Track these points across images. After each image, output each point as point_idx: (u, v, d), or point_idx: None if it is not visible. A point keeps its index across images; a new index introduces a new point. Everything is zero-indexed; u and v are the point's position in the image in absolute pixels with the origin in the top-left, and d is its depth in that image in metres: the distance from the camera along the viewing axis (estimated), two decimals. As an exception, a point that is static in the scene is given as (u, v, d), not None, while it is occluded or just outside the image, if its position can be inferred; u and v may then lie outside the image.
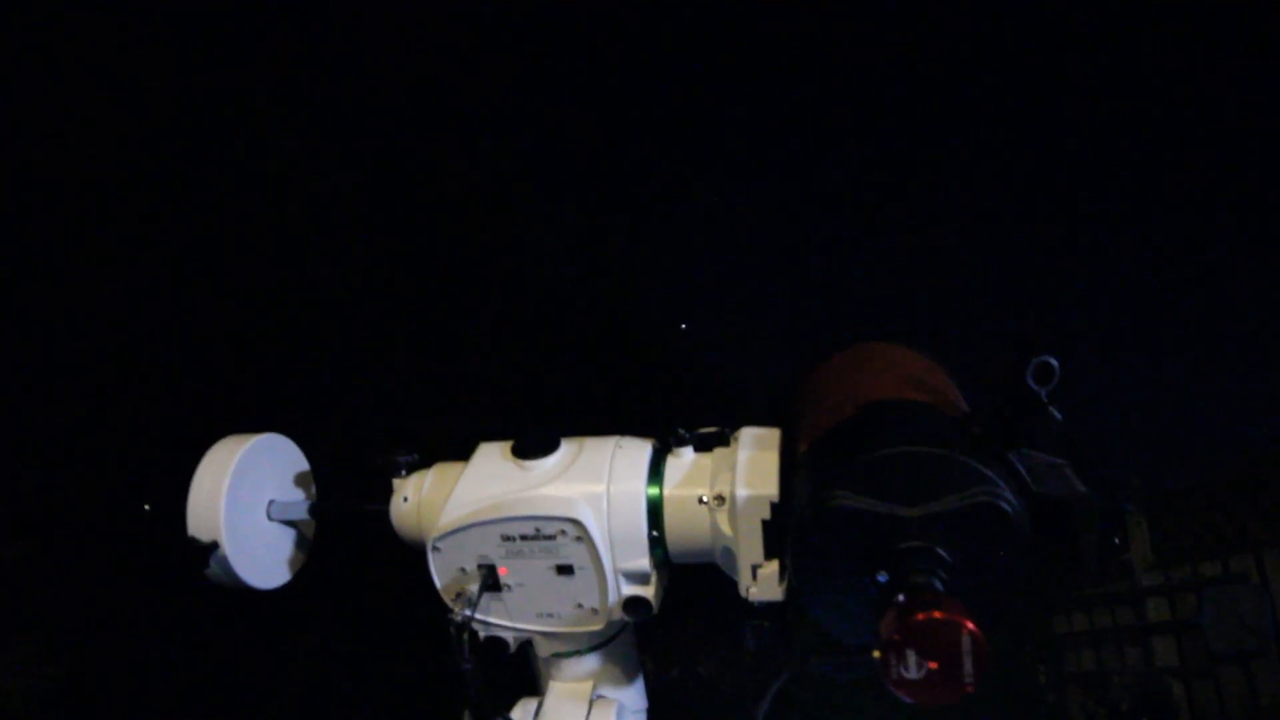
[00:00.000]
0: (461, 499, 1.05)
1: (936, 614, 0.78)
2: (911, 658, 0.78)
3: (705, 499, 1.01)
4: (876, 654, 0.79)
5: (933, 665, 0.78)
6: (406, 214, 2.23)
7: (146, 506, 1.22)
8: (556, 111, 2.27)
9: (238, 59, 2.16)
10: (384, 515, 1.14)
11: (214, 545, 1.13)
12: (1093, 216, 2.53)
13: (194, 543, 1.13)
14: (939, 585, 0.83)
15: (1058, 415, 0.86)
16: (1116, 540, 0.91)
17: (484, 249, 2.23)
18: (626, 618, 1.05)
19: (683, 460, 1.04)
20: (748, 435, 1.03)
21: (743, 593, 0.99)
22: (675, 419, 1.05)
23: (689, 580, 1.11)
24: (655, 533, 1.03)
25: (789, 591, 0.97)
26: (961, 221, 2.37)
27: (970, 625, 0.77)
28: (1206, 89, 2.27)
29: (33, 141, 2.13)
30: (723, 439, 1.04)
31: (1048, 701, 3.19)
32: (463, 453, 1.18)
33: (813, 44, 2.20)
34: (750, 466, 0.98)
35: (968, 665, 0.78)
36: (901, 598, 0.80)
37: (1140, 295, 2.54)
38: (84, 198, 2.17)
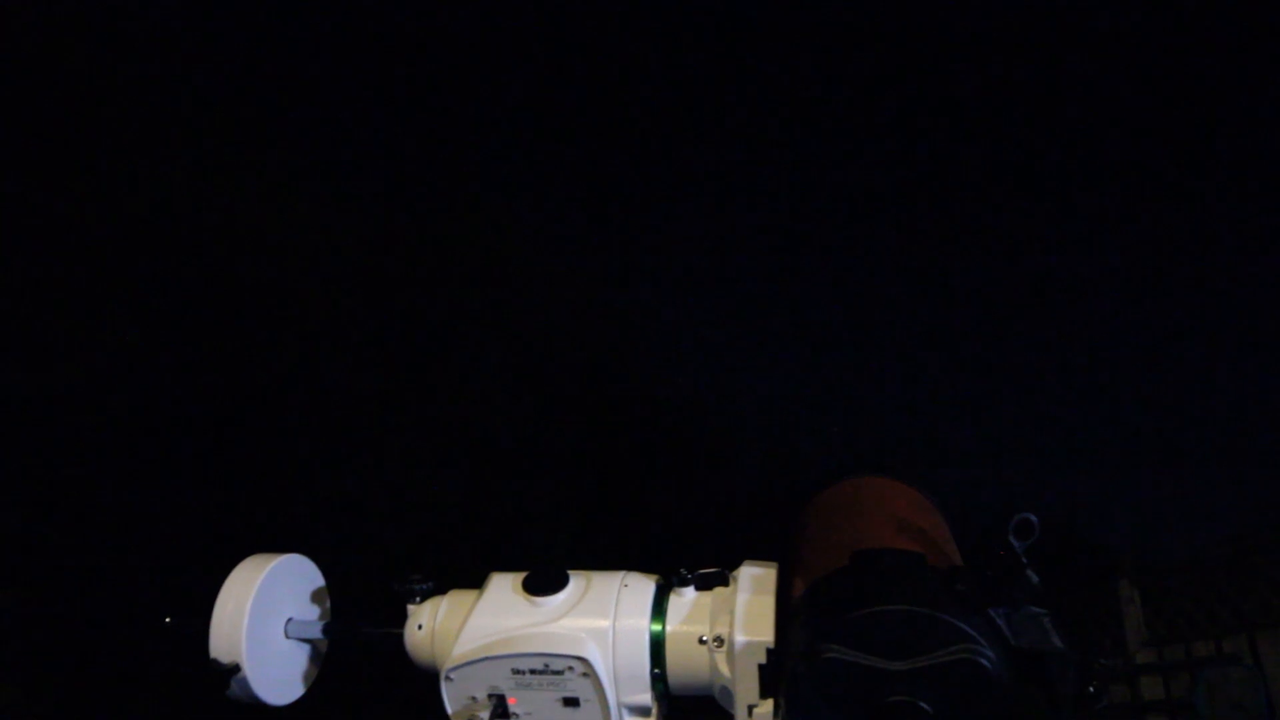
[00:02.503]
0: (475, 632, 1.11)
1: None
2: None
3: (705, 639, 1.07)
4: None
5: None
6: (431, 345, 2.29)
7: (168, 619, 1.27)
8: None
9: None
10: (398, 639, 1.19)
11: (235, 668, 1.18)
12: (1084, 293, 2.59)
13: (216, 665, 1.19)
14: None
15: (1034, 578, 0.93)
16: (1092, 689, 0.97)
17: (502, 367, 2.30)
18: None
19: (684, 599, 1.10)
20: (746, 576, 1.09)
21: None
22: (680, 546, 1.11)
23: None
24: (657, 670, 1.09)
25: None
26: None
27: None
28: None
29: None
30: (722, 579, 1.10)
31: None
32: (474, 563, 1.24)
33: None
34: (748, 611, 1.04)
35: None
36: None
37: (1139, 373, 2.59)
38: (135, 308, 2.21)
